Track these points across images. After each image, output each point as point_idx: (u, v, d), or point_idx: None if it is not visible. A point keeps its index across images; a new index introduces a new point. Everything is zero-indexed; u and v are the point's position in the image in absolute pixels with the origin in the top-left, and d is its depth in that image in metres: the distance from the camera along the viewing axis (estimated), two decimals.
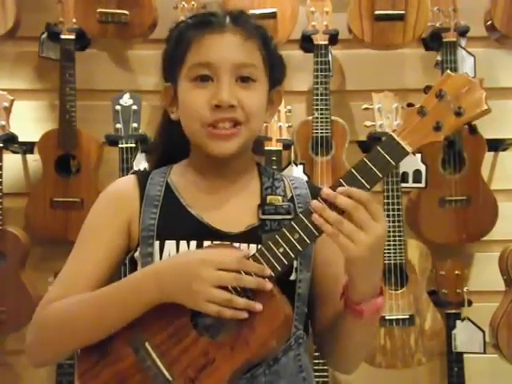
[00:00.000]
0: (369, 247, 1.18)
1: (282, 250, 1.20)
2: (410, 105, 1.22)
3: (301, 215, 1.20)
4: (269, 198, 1.35)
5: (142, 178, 1.38)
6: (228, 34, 1.32)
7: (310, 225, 1.19)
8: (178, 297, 1.22)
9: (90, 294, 1.28)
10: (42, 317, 1.30)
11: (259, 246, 1.27)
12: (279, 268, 1.20)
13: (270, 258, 1.21)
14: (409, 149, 1.19)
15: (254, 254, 1.22)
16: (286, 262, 1.21)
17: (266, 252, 1.21)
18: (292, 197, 1.37)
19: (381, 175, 1.19)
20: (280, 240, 1.20)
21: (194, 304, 1.21)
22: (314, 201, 1.20)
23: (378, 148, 1.19)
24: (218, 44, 1.31)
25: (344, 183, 1.19)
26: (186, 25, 1.36)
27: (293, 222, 1.21)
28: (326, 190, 1.19)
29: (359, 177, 1.19)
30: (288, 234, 1.20)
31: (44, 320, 1.30)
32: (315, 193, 1.38)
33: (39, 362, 1.37)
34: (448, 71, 1.23)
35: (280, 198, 1.35)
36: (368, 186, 1.19)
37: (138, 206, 1.34)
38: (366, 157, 1.19)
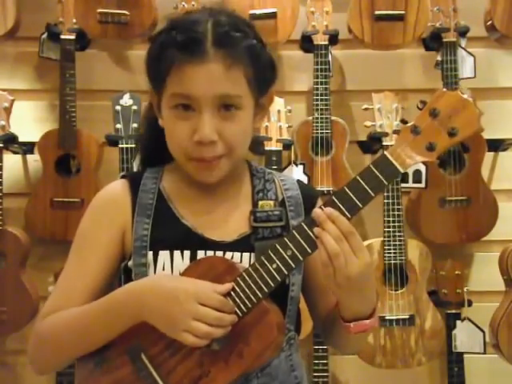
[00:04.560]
0: (347, 278, 1.18)
1: (275, 266, 1.20)
2: (403, 122, 1.21)
3: (294, 232, 1.21)
4: (260, 203, 1.35)
5: (134, 183, 1.37)
6: (210, 63, 1.25)
7: (303, 242, 1.20)
8: (157, 322, 1.22)
9: (77, 311, 1.29)
10: (37, 330, 1.32)
11: (252, 255, 1.29)
12: (272, 284, 1.21)
13: (264, 274, 1.21)
14: (401, 169, 1.19)
15: (247, 269, 1.22)
16: (280, 279, 1.21)
17: (259, 268, 1.21)
18: (283, 199, 1.37)
19: (373, 194, 1.19)
20: (273, 256, 1.21)
21: (171, 332, 1.21)
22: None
23: (372, 167, 1.19)
24: (199, 75, 1.25)
25: (336, 200, 1.19)
26: (166, 43, 1.29)
27: (286, 239, 1.21)
28: (317, 211, 1.19)
29: (352, 195, 1.19)
30: (281, 250, 1.20)
31: (38, 334, 1.32)
32: (306, 193, 1.40)
33: (38, 371, 1.38)
34: (443, 89, 1.23)
35: (272, 202, 1.35)
36: (360, 205, 1.19)
37: (130, 214, 1.34)
38: (358, 175, 1.19)
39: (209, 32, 1.27)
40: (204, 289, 1.20)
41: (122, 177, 1.42)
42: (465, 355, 2.78)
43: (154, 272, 1.30)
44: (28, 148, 2.93)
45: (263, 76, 1.33)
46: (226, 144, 1.28)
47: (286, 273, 1.21)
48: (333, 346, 1.47)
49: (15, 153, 2.93)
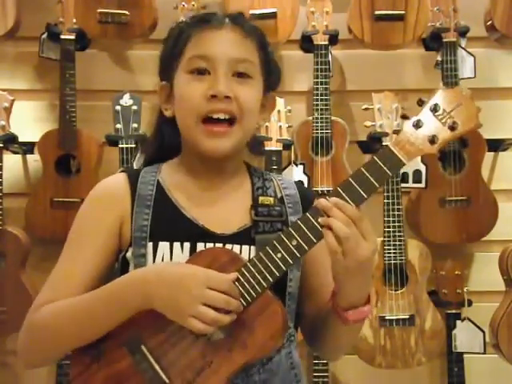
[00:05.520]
0: (357, 261, 1.19)
1: (280, 255, 1.21)
2: (404, 117, 1.25)
3: (299, 222, 1.21)
4: (260, 198, 1.36)
5: (133, 176, 1.37)
6: (227, 30, 1.34)
7: (308, 231, 1.21)
8: (164, 309, 1.22)
9: (77, 299, 1.28)
10: (32, 321, 1.31)
11: (252, 248, 1.30)
12: (277, 273, 1.21)
13: (269, 264, 1.21)
14: (405, 160, 1.22)
15: (252, 259, 1.23)
16: (285, 268, 1.22)
17: (264, 257, 1.22)
18: (282, 197, 1.39)
19: (377, 185, 1.21)
20: (278, 246, 1.21)
21: (178, 318, 1.21)
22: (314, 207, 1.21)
23: (375, 158, 1.22)
24: (217, 38, 1.33)
25: (342, 192, 1.21)
26: (185, 23, 1.38)
27: (291, 229, 1.22)
28: (322, 201, 1.20)
29: (356, 186, 1.21)
30: (286, 240, 1.21)
31: (33, 324, 1.31)
32: (304, 193, 1.41)
33: (29, 364, 1.38)
34: (442, 86, 1.28)
35: (271, 199, 1.36)
36: (365, 196, 1.21)
37: (129, 205, 1.33)
38: (363, 166, 1.22)
39: (226, 15, 1.37)
40: (212, 274, 1.21)
41: (121, 171, 1.41)
42: (465, 355, 2.79)
43: (153, 263, 1.30)
44: (28, 148, 2.93)
45: (270, 69, 1.38)
46: (239, 105, 1.30)
47: (291, 262, 1.21)
48: (320, 348, 1.43)
49: (15, 153, 2.94)
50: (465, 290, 2.78)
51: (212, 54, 1.31)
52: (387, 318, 2.67)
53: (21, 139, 2.83)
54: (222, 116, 1.30)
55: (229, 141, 1.31)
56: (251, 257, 1.27)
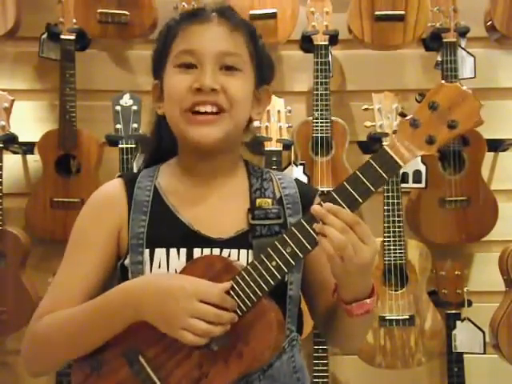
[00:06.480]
0: (358, 265, 1.18)
1: (274, 263, 1.19)
2: (402, 114, 1.20)
3: (293, 229, 1.19)
4: (258, 201, 1.34)
5: (129, 182, 1.37)
6: (214, 24, 1.33)
7: (302, 238, 1.19)
8: (155, 320, 1.21)
9: (73, 311, 1.28)
10: (32, 331, 1.31)
11: (250, 252, 1.28)
12: (272, 282, 1.20)
13: (263, 272, 1.20)
14: (401, 162, 1.18)
15: (246, 267, 1.21)
16: (280, 276, 1.20)
17: (258, 266, 1.20)
18: (281, 197, 1.37)
19: (373, 189, 1.18)
20: (272, 253, 1.20)
21: (169, 330, 1.20)
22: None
23: (371, 161, 1.18)
24: (203, 32, 1.32)
25: (336, 196, 1.18)
26: (174, 20, 1.37)
27: (285, 236, 1.20)
28: (316, 208, 1.18)
29: (351, 190, 1.18)
30: (280, 248, 1.19)
31: (33, 335, 1.32)
32: (304, 191, 1.39)
33: (32, 372, 1.37)
34: (442, 81, 1.21)
35: (269, 200, 1.34)
36: (360, 200, 1.18)
37: (126, 212, 1.33)
38: (358, 169, 1.18)
39: (213, 9, 1.35)
40: (202, 286, 1.20)
41: (118, 176, 1.41)
42: (465, 355, 2.78)
43: (151, 270, 1.29)
44: (28, 148, 2.93)
45: (261, 62, 1.37)
46: (227, 97, 1.29)
47: (285, 270, 1.20)
48: (335, 342, 1.45)
49: (15, 153, 2.93)
50: (465, 290, 2.78)
51: (198, 48, 1.30)
52: (387, 318, 2.67)
53: (21, 139, 2.83)
54: (208, 109, 1.29)
55: (216, 129, 1.30)
56: (249, 261, 1.25)
